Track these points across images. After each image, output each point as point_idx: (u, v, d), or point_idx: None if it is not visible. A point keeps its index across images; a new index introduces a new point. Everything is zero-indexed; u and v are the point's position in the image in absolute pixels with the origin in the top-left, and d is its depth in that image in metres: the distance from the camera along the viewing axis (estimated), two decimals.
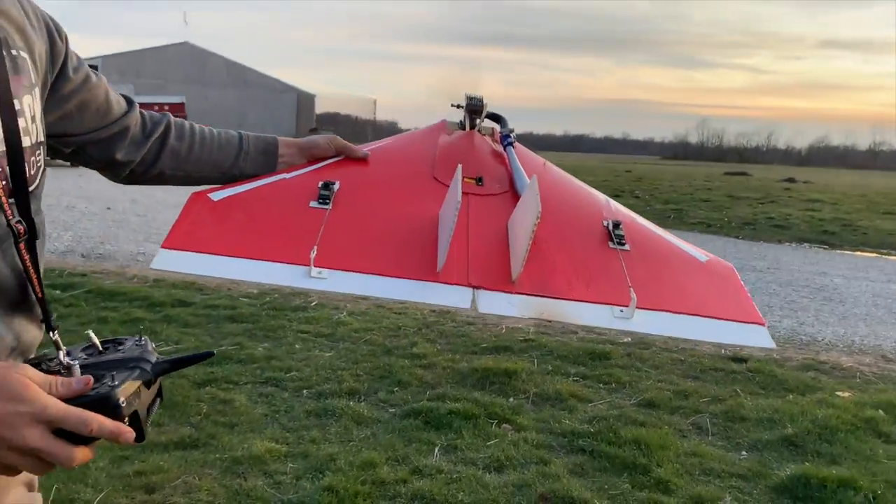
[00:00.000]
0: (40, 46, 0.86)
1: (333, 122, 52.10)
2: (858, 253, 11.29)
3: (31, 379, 0.67)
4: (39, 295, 0.82)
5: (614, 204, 1.26)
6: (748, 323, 1.11)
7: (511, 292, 1.03)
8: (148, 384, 0.75)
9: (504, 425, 3.29)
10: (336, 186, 1.13)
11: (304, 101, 49.93)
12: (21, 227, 0.79)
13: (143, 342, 0.78)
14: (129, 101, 1.06)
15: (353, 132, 45.74)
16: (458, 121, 1.34)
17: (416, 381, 3.81)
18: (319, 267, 1.01)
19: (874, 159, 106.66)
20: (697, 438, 3.31)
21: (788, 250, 10.81)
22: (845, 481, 2.84)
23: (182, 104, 35.65)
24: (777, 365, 4.52)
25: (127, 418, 0.71)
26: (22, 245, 0.79)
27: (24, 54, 0.82)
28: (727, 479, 2.89)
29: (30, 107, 0.82)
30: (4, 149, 0.77)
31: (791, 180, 35.84)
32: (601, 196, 1.28)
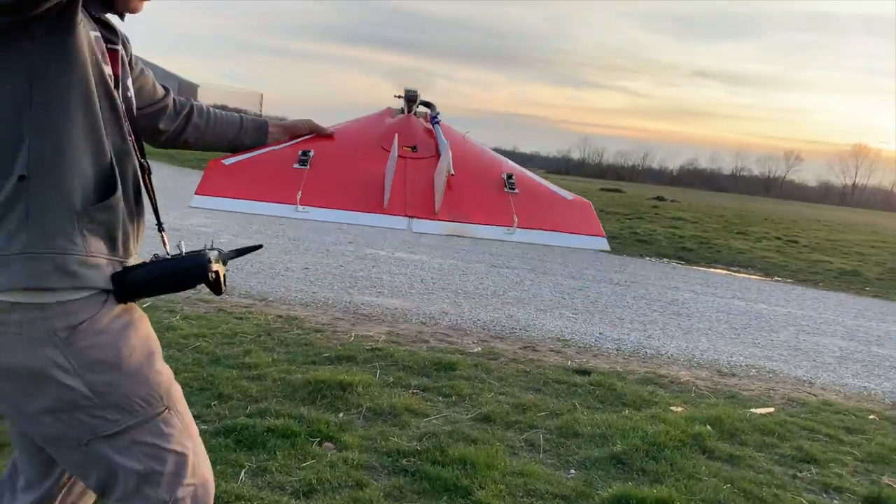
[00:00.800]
0: (123, 48, 1.32)
1: None
2: (711, 269, 11.96)
3: None
4: (156, 209, 1.39)
5: (513, 164, 1.76)
6: (594, 235, 1.63)
7: (434, 219, 1.51)
8: (224, 262, 1.28)
9: (326, 444, 3.04)
10: (311, 153, 1.59)
11: (187, 90, 47.54)
12: (146, 164, 1.32)
13: (215, 248, 1.28)
14: (167, 88, 1.55)
15: None
16: (400, 107, 1.86)
17: (240, 394, 3.49)
18: (304, 205, 1.49)
19: (736, 183, 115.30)
20: (528, 456, 3.21)
21: (648, 265, 11.27)
22: (663, 501, 2.81)
23: None
24: (619, 378, 4.55)
25: (212, 275, 1.24)
26: (146, 177, 1.34)
27: (122, 52, 1.30)
28: (550, 501, 2.80)
29: (131, 86, 1.34)
30: (124, 104, 1.26)
31: (660, 199, 37.90)
32: (503, 159, 1.79)
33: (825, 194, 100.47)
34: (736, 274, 11.62)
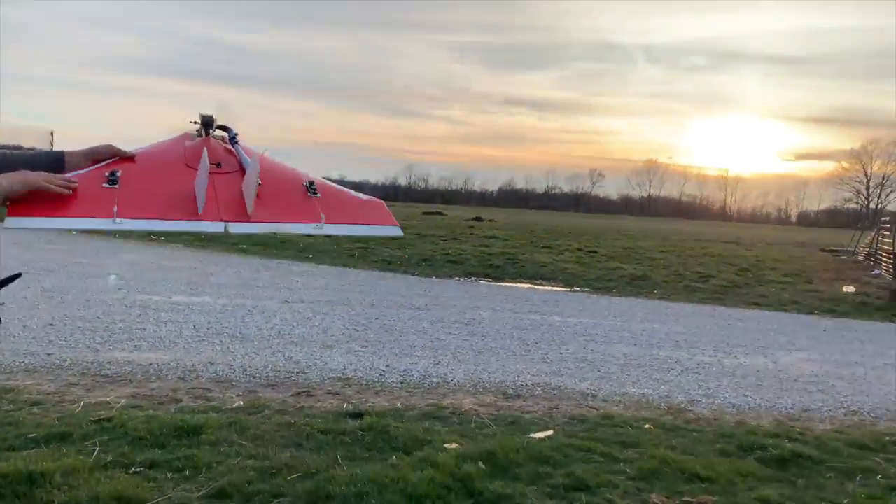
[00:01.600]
0: None
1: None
2: (516, 284, 12.18)
3: None
4: None
5: (312, 176, 1.96)
6: (387, 225, 1.92)
7: (249, 221, 1.69)
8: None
9: None
10: (119, 173, 1.72)
11: None
12: None
13: None
14: None
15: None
16: (197, 131, 2.00)
17: None
18: (120, 217, 1.61)
19: (549, 201, 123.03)
20: None
21: (454, 285, 11.20)
22: None
23: None
24: (396, 417, 4.17)
25: None
26: None
27: None
28: None
29: None
30: None
31: (478, 219, 39.15)
32: (303, 171, 1.99)
33: (626, 206, 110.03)
34: (539, 287, 11.91)
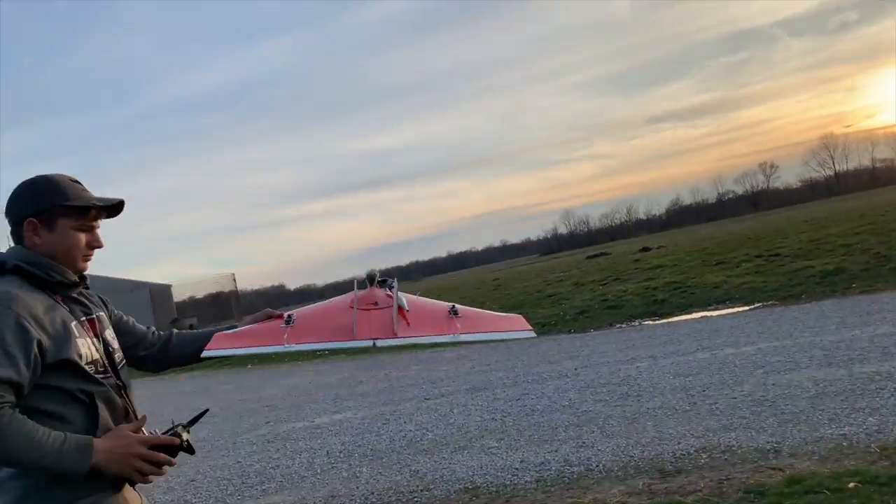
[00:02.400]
0: (104, 309, 1.91)
1: (196, 304, 49.84)
2: (686, 317, 10.87)
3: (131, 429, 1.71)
4: (136, 415, 1.81)
5: (458, 306, 2.17)
6: (520, 330, 2.15)
7: (393, 338, 1.99)
8: (187, 429, 1.75)
9: None
10: (294, 317, 2.10)
11: (159, 293, 47.58)
12: (121, 383, 1.79)
13: (178, 423, 1.77)
14: (148, 327, 2.11)
15: (218, 311, 43.67)
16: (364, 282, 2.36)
17: None
18: (290, 343, 2.00)
19: (724, 209, 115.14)
20: None
21: (612, 335, 10.16)
22: None
23: None
24: None
25: (185, 442, 1.73)
26: (124, 392, 1.81)
27: (101, 313, 1.87)
28: None
29: (110, 334, 1.86)
30: (104, 353, 1.79)
31: (645, 249, 37.10)
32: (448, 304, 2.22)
33: (812, 192, 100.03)
34: (711, 314, 10.52)
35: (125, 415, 1.77)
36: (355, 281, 2.31)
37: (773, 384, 5.42)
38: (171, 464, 1.72)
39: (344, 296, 2.33)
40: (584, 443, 4.87)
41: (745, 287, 11.99)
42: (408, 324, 2.08)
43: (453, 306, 2.15)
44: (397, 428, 6.40)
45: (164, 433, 1.72)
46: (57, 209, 1.73)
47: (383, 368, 10.93)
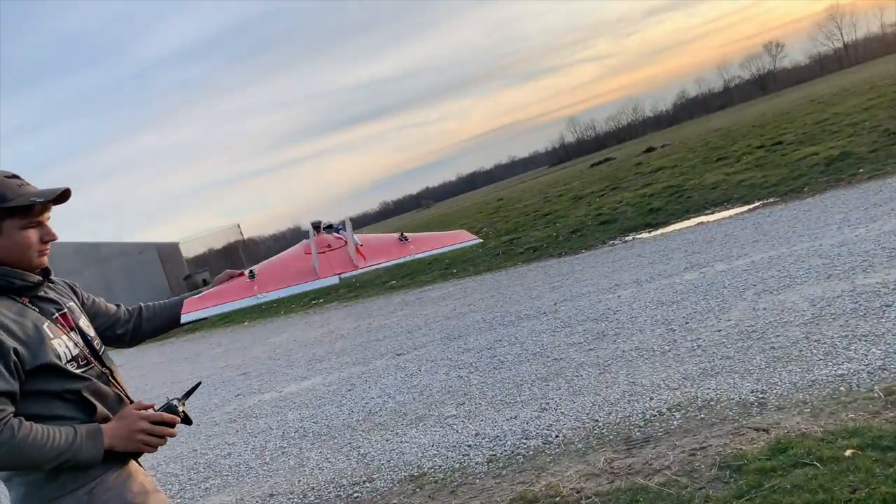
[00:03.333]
0: (73, 297, 1.94)
1: (206, 260, 49.68)
2: (681, 224, 10.12)
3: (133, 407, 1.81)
4: (128, 398, 1.89)
5: (407, 233, 2.44)
6: (466, 241, 2.47)
7: (355, 269, 2.18)
8: (183, 402, 1.88)
9: None
10: (256, 271, 2.24)
11: (168, 252, 47.32)
12: (106, 370, 1.85)
13: (174, 397, 1.89)
14: (118, 305, 2.16)
15: (227, 261, 43.59)
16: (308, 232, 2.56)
17: None
18: (260, 293, 2.11)
19: (731, 96, 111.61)
20: None
21: (602, 255, 9.45)
22: None
23: None
24: None
25: (181, 414, 1.85)
26: (112, 379, 1.87)
27: (71, 303, 1.89)
28: None
29: (84, 323, 1.89)
30: (84, 343, 1.82)
31: (650, 150, 35.82)
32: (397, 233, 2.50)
33: (821, 67, 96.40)
34: (709, 219, 9.75)
35: (119, 401, 1.85)
36: (311, 231, 2.56)
37: (764, 308, 4.73)
38: (172, 434, 1.85)
39: (295, 247, 2.59)
40: (547, 404, 4.26)
41: (745, 185, 11.14)
42: (364, 257, 2.30)
43: (402, 234, 2.45)
44: (360, 395, 5.84)
45: (160, 409, 1.85)
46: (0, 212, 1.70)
47: (370, 316, 10.40)
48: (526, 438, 3.86)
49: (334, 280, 2.15)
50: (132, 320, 2.13)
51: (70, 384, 1.71)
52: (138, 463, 1.86)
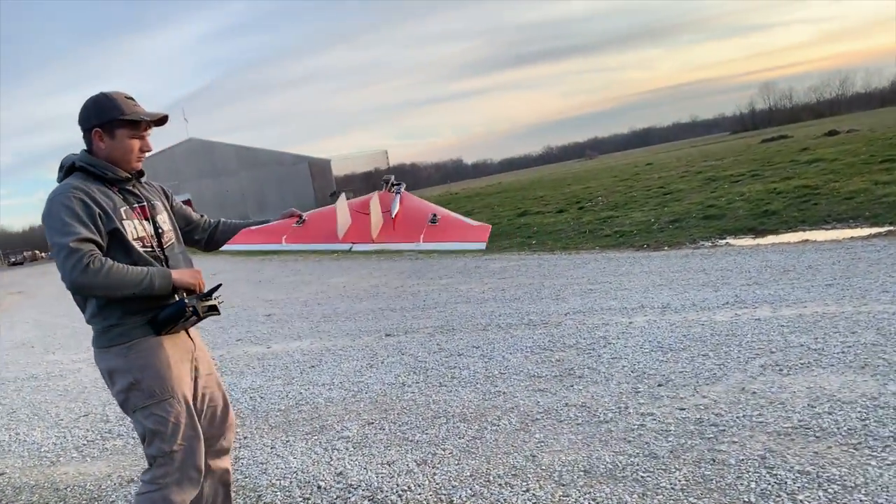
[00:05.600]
0: (162, 199, 2.49)
1: (352, 180, 51.48)
2: (784, 237, 8.50)
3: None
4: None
5: (443, 211, 2.66)
6: (473, 241, 2.49)
7: (369, 242, 2.39)
8: (202, 300, 2.30)
9: None
10: (305, 218, 2.58)
11: (319, 167, 49.43)
12: (163, 257, 2.37)
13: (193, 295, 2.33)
14: (202, 215, 2.70)
15: (370, 185, 44.94)
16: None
17: None
18: (287, 242, 2.45)
19: None
20: None
21: (674, 258, 8.10)
22: None
23: (188, 201, 36.55)
24: None
25: (189, 310, 2.25)
26: (165, 265, 2.35)
27: (156, 202, 2.42)
28: None
29: (162, 219, 2.40)
30: (153, 232, 2.34)
31: (832, 133, 31.55)
32: (438, 208, 2.70)
33: None
34: (818, 236, 8.07)
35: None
36: (382, 185, 2.77)
37: (755, 392, 3.55)
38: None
39: (359, 199, 2.74)
40: (431, 457, 3.49)
41: (886, 201, 9.13)
42: (393, 229, 2.49)
43: (434, 215, 2.56)
44: (308, 378, 5.34)
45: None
46: (116, 122, 2.25)
47: (421, 278, 9.86)
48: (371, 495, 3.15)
49: (345, 248, 2.41)
50: (208, 230, 2.66)
51: (135, 256, 2.24)
52: (192, 340, 2.41)
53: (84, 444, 4.60)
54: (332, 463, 3.59)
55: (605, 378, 4.19)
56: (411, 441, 3.71)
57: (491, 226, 2.66)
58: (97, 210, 2.15)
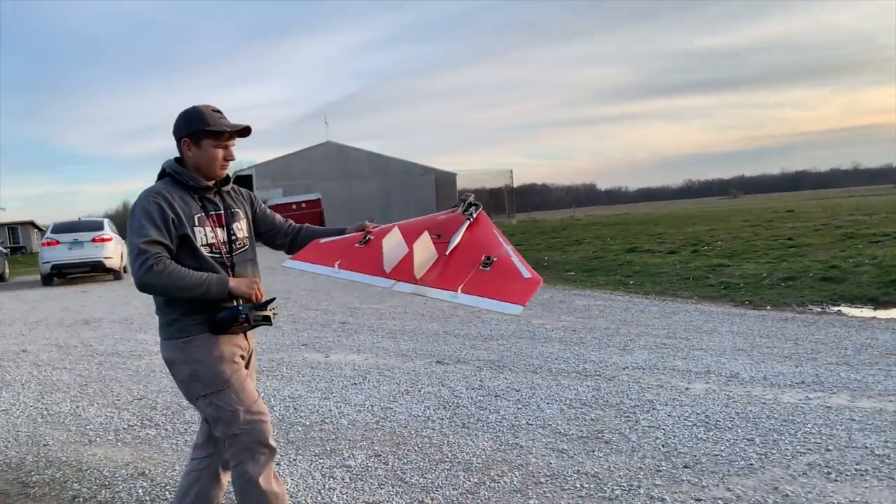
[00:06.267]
0: (245, 206, 2.65)
1: (476, 195, 51.71)
2: None
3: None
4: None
5: (508, 249, 2.44)
6: (512, 303, 2.20)
7: (411, 282, 2.26)
8: (258, 310, 2.45)
9: None
10: (370, 238, 2.51)
11: (444, 180, 50.18)
12: (230, 263, 2.52)
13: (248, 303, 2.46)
14: (286, 220, 2.81)
15: (493, 203, 45.28)
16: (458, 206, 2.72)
17: None
18: (340, 269, 2.42)
19: None
20: None
21: (772, 322, 7.38)
22: None
23: (318, 200, 38.36)
24: None
25: (242, 317, 2.41)
26: (230, 271, 2.50)
27: (237, 210, 2.59)
28: None
29: (239, 226, 2.57)
30: (225, 239, 2.51)
31: None
32: (503, 244, 2.48)
33: None
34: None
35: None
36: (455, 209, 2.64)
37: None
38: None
39: (442, 214, 2.69)
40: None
41: None
42: (444, 266, 2.32)
43: (488, 257, 2.35)
44: (345, 396, 5.31)
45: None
46: (202, 132, 2.42)
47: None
48: None
49: (387, 284, 2.31)
50: (290, 235, 2.76)
51: (201, 261, 2.40)
52: (247, 341, 2.56)
53: (124, 428, 4.81)
54: (322, 492, 3.51)
55: (631, 448, 3.83)
56: (406, 483, 3.56)
57: (542, 279, 2.36)
58: (171, 215, 2.34)
